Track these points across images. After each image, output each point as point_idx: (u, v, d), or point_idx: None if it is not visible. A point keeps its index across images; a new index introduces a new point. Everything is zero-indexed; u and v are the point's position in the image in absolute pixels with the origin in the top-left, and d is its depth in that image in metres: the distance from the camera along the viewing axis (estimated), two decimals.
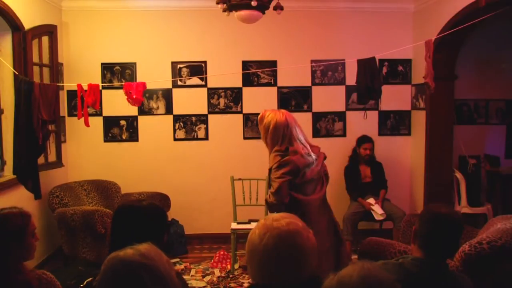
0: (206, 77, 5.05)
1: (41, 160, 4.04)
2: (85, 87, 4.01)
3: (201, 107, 5.09)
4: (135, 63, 5.01)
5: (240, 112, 5.12)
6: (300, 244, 1.33)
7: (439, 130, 4.79)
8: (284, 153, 2.80)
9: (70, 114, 4.95)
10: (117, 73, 5.01)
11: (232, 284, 3.97)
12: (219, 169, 5.07)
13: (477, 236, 2.88)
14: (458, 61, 4.78)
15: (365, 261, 1.18)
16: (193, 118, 5.10)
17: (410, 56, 5.16)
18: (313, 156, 2.90)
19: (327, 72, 5.16)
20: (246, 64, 5.09)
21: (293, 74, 5.09)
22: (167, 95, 5.06)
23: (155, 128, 5.08)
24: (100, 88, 4.56)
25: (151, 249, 1.24)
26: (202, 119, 5.11)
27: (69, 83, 4.66)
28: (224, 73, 4.95)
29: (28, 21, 4.00)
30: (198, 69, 5.06)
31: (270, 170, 2.85)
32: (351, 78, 4.84)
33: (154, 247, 1.26)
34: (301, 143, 2.88)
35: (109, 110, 5.01)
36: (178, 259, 4.57)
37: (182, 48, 5.04)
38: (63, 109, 4.87)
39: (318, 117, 5.19)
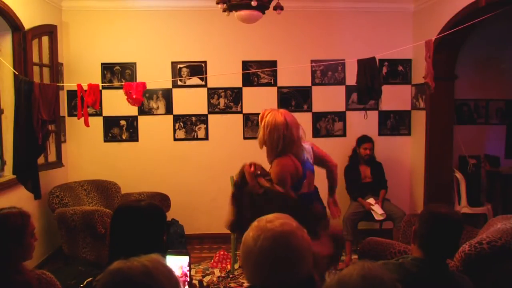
0: (206, 77, 5.05)
1: (41, 160, 4.04)
2: (85, 87, 4.01)
3: (201, 107, 5.09)
4: (135, 63, 5.01)
5: (240, 112, 5.12)
6: (295, 245, 1.32)
7: (439, 130, 4.79)
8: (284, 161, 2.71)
9: (70, 114, 4.95)
10: (117, 73, 5.01)
11: (232, 284, 3.97)
12: (219, 169, 5.06)
13: (477, 236, 2.87)
14: (458, 61, 4.77)
15: (366, 260, 1.18)
16: (193, 118, 5.10)
17: (410, 56, 5.16)
18: (307, 156, 2.83)
19: (327, 72, 5.16)
20: (246, 64, 5.09)
21: (293, 74, 5.09)
22: (167, 95, 5.06)
23: (155, 128, 5.08)
24: (100, 88, 4.56)
25: (158, 265, 1.16)
26: (202, 119, 5.11)
27: (69, 83, 4.66)
28: (224, 73, 4.95)
29: (28, 21, 4.00)
30: (198, 69, 5.06)
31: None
32: (351, 78, 4.84)
33: (161, 262, 1.18)
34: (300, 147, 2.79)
35: (109, 110, 5.01)
36: None
37: (182, 48, 5.04)
38: (63, 109, 4.87)
39: (318, 117, 5.19)
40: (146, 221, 1.77)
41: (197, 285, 1.86)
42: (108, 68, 5.00)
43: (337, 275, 1.14)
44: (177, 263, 1.87)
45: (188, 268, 1.89)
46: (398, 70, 5.23)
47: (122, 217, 1.80)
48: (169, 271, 1.18)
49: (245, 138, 5.13)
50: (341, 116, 5.22)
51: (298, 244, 1.32)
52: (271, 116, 2.75)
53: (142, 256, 1.17)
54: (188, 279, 1.89)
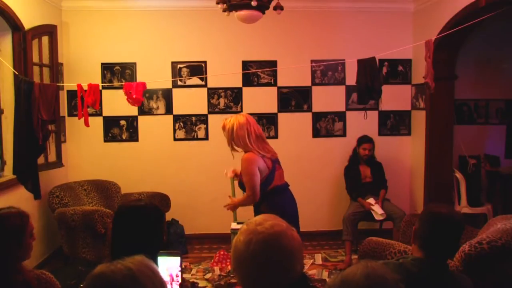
0: (206, 77, 5.05)
1: (41, 160, 4.04)
2: (85, 87, 4.01)
3: (201, 107, 5.09)
4: (135, 63, 5.01)
5: (240, 112, 5.11)
6: (287, 245, 1.29)
7: (439, 130, 4.79)
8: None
9: (70, 114, 4.95)
10: (117, 73, 5.01)
11: (233, 280, 3.96)
12: (219, 169, 5.03)
13: (477, 236, 2.88)
14: (458, 61, 4.78)
15: (369, 260, 1.18)
16: (193, 118, 5.10)
17: (410, 56, 5.16)
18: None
19: (327, 72, 5.16)
20: (246, 64, 5.08)
21: (293, 74, 5.09)
22: (167, 95, 5.06)
23: (155, 128, 5.08)
24: (100, 88, 4.56)
25: (143, 267, 1.15)
26: (202, 119, 5.11)
27: (69, 83, 4.66)
28: (224, 73, 4.95)
29: (28, 21, 4.00)
30: (198, 69, 5.05)
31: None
32: (351, 78, 4.83)
33: (146, 264, 1.17)
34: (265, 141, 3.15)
35: (109, 110, 5.01)
36: None
37: (182, 48, 5.04)
38: (63, 109, 4.87)
39: (318, 117, 5.19)
40: (145, 221, 1.77)
41: (189, 287, 1.85)
42: (108, 68, 4.99)
43: (340, 274, 1.14)
44: (169, 264, 1.87)
45: (179, 269, 1.88)
46: (398, 70, 5.23)
47: (122, 217, 1.81)
48: (154, 273, 1.17)
49: None
50: (341, 116, 5.21)
51: (290, 244, 1.30)
52: (234, 118, 3.12)
53: (126, 258, 1.16)
54: (180, 280, 1.88)
